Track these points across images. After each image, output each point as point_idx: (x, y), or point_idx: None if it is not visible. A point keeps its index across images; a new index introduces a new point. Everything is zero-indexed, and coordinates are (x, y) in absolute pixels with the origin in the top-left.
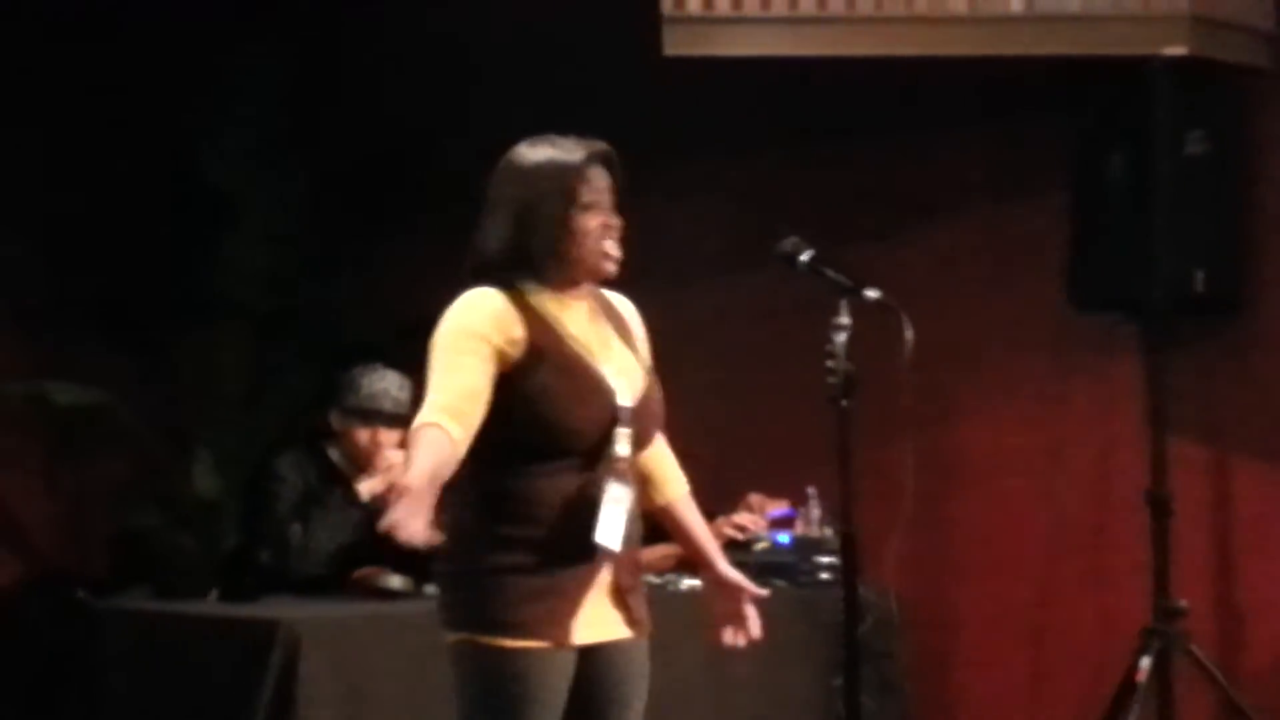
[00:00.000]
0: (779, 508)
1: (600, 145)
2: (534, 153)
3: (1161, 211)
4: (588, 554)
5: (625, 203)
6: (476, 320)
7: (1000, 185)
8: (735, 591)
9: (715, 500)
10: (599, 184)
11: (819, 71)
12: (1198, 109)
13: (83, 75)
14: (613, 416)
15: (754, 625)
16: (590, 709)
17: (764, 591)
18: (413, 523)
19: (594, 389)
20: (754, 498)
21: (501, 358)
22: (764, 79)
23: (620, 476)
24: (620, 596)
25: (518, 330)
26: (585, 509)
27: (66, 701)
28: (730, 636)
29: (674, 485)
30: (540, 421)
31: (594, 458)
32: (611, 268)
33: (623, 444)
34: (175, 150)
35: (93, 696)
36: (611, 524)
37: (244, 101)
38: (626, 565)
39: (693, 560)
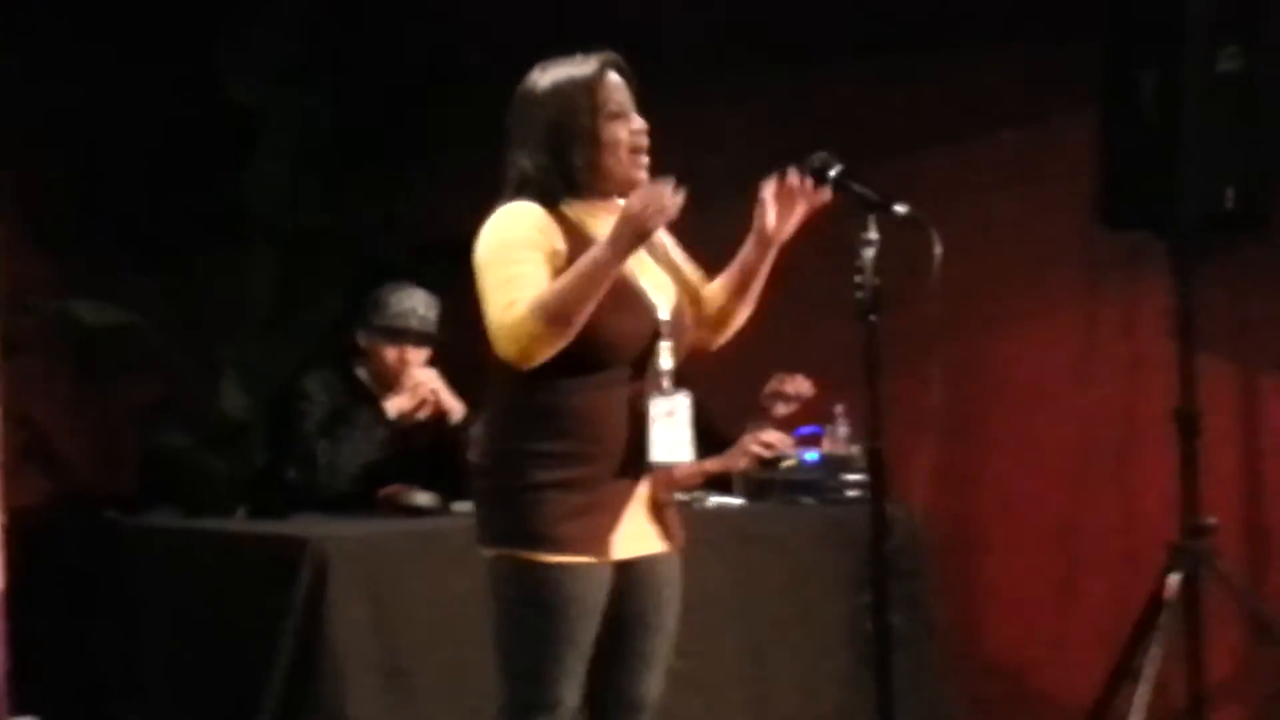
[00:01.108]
0: (806, 386)
1: (608, 54)
2: (549, 75)
3: (1192, 129)
4: (632, 469)
5: (659, 120)
6: (524, 230)
7: (1029, 101)
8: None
9: (744, 419)
10: (618, 92)
11: None
12: (1231, 24)
13: None
14: (655, 330)
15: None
16: (625, 622)
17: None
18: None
19: (636, 303)
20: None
21: (551, 265)
22: None
23: (668, 389)
24: (657, 511)
25: (560, 243)
26: (631, 423)
27: (96, 620)
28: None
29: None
30: (585, 335)
31: (636, 371)
32: (644, 175)
33: (665, 357)
34: (201, 69)
35: (122, 615)
36: (667, 437)
37: (270, 20)
38: (662, 480)
39: (744, 264)
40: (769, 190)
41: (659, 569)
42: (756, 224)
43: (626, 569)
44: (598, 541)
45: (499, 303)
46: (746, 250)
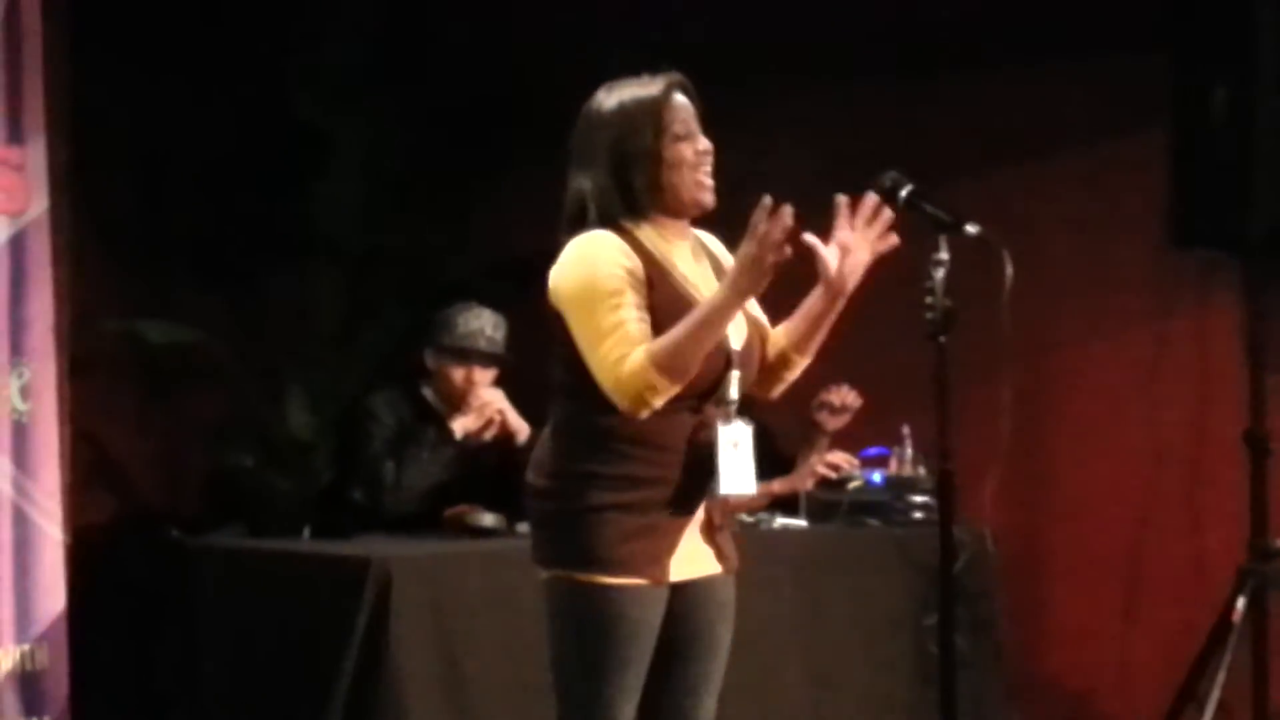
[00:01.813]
0: (852, 396)
1: (674, 75)
2: (614, 95)
3: (1264, 146)
4: (691, 494)
5: (719, 138)
6: (609, 266)
7: (1100, 119)
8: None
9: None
10: (684, 112)
11: (913, 8)
12: None
13: (175, 12)
14: (727, 360)
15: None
16: (680, 644)
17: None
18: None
19: None
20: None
21: (640, 296)
22: (858, 13)
23: (735, 419)
24: (711, 533)
25: (640, 268)
26: (691, 449)
27: (161, 639)
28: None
29: (776, 338)
30: None
31: (703, 400)
32: (710, 198)
33: (734, 387)
34: (269, 87)
35: (187, 634)
36: (733, 469)
37: (338, 38)
38: (719, 503)
39: (810, 312)
40: (820, 241)
41: (714, 591)
42: (820, 272)
43: (681, 591)
44: (654, 564)
45: (610, 355)
46: (814, 299)
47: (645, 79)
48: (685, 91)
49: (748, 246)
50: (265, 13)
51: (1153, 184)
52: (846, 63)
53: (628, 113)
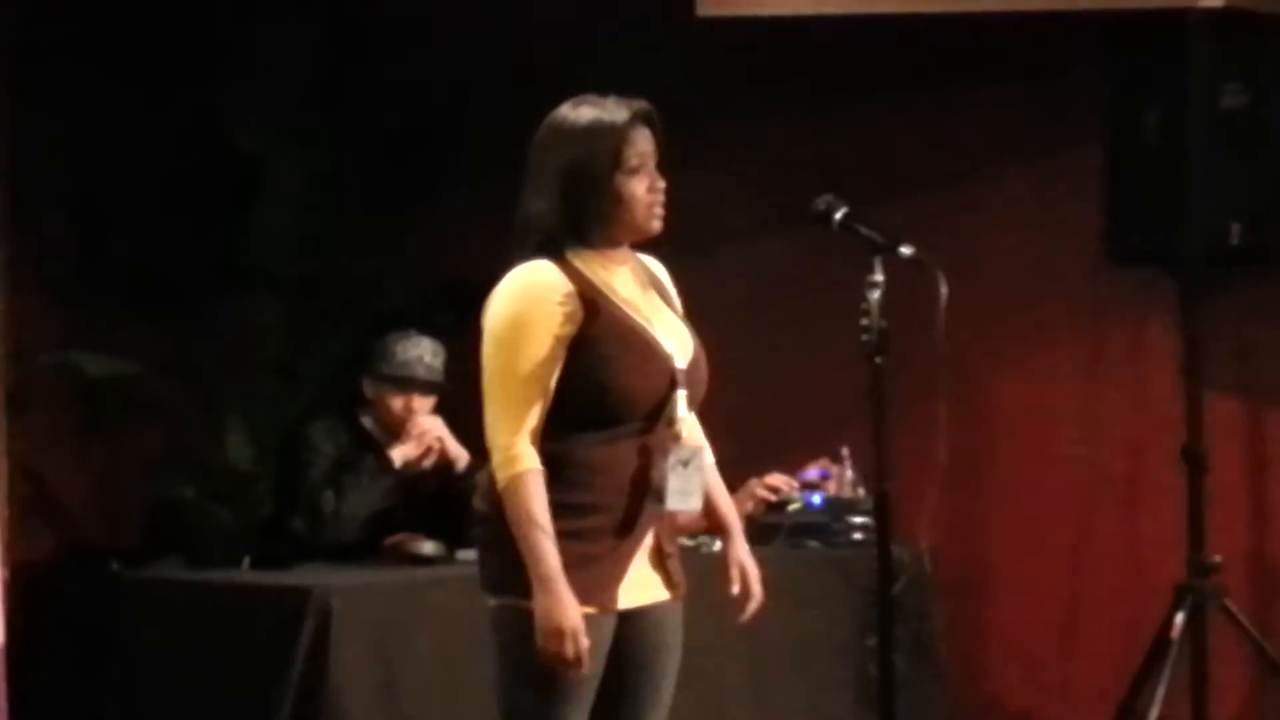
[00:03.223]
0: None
1: (642, 104)
2: (577, 115)
3: (1198, 165)
4: (639, 520)
5: (661, 162)
6: (541, 311)
7: (1035, 140)
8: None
9: (749, 462)
10: (643, 146)
11: (851, 30)
12: (1235, 61)
13: (110, 43)
14: (671, 381)
15: (750, 606)
16: (627, 671)
17: (755, 594)
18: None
19: (652, 356)
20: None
21: (564, 344)
22: (797, 38)
23: (684, 438)
24: (660, 559)
25: (575, 305)
26: (639, 473)
27: (101, 672)
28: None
29: None
30: (601, 393)
31: (650, 422)
32: (658, 225)
33: (681, 406)
34: (205, 116)
35: (127, 667)
36: (680, 487)
37: (273, 66)
38: (667, 529)
39: (714, 528)
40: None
41: (661, 617)
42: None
43: (628, 619)
44: (603, 592)
45: (508, 421)
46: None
47: (613, 103)
48: (650, 123)
49: (558, 646)
50: (201, 42)
51: (1088, 203)
52: (783, 84)
53: (586, 138)
